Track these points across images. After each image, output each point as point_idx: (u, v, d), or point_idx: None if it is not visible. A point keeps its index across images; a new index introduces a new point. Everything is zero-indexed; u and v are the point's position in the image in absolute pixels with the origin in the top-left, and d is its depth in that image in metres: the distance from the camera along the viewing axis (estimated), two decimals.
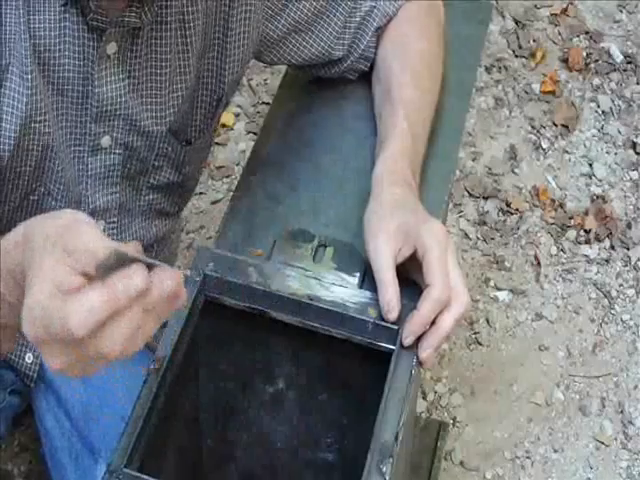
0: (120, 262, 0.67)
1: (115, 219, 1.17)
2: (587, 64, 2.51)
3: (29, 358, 1.23)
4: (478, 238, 2.20)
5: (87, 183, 1.11)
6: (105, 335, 0.67)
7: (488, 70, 2.48)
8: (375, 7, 1.20)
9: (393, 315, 0.97)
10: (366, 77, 1.25)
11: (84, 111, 1.05)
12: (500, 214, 2.24)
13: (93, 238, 0.69)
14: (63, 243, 0.69)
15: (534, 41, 2.55)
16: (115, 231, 1.17)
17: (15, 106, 0.99)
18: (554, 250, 2.18)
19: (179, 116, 1.13)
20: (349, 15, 1.20)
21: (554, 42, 2.56)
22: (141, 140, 1.11)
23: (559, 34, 2.57)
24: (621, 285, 2.14)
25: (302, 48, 1.20)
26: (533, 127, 2.39)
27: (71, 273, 0.68)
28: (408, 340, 0.96)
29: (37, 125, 1.02)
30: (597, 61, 2.51)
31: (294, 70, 1.29)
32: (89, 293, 0.66)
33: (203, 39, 1.10)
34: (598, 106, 2.43)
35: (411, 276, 0.99)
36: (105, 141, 1.09)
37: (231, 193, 2.11)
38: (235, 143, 2.31)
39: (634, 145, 2.35)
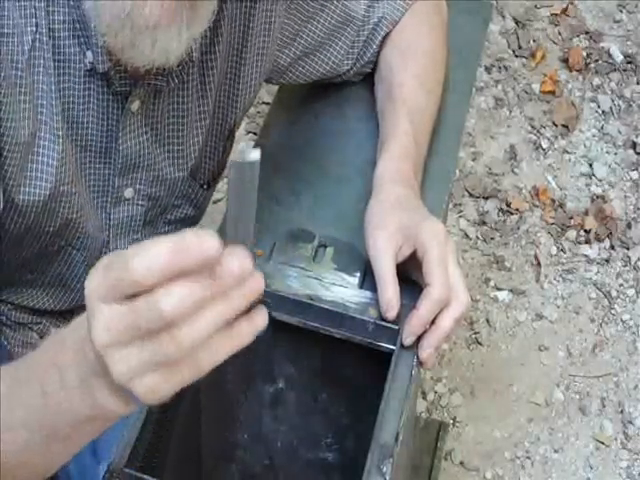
0: None
1: None
2: (587, 64, 2.51)
3: None
4: (478, 238, 2.20)
5: (109, 231, 1.12)
6: (190, 323, 0.62)
7: (488, 70, 2.48)
8: (383, 17, 1.20)
9: (392, 314, 0.97)
10: (367, 77, 1.25)
11: (108, 165, 1.06)
12: (500, 214, 2.24)
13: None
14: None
15: (534, 41, 2.55)
16: None
17: (46, 171, 0.99)
18: (554, 250, 2.18)
19: (198, 157, 1.14)
20: (358, 32, 1.20)
21: (554, 42, 2.56)
22: (164, 189, 1.12)
23: (559, 34, 2.57)
24: (621, 285, 2.14)
25: (311, 70, 1.20)
26: (533, 127, 2.39)
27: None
28: (408, 340, 0.96)
29: (66, 187, 1.02)
30: (597, 61, 2.51)
31: None
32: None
33: (219, 83, 1.10)
34: (598, 106, 2.43)
35: (411, 275, 0.99)
36: (128, 193, 1.09)
37: None
38: (235, 143, 2.31)
39: (634, 145, 2.36)
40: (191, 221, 1.23)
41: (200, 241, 0.63)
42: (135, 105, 1.01)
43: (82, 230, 1.08)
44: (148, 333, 0.62)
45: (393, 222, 1.00)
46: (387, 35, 1.21)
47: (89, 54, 0.95)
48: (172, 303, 0.61)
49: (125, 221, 1.12)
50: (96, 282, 0.64)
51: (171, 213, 1.18)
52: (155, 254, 0.63)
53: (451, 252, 0.97)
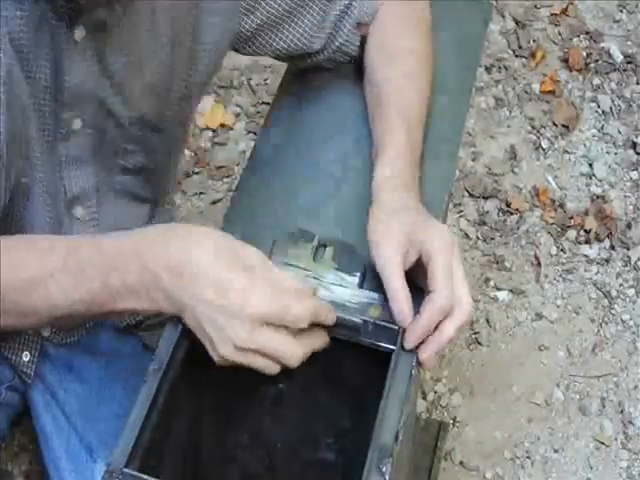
0: None
1: (93, 202, 1.16)
2: (587, 64, 2.51)
3: (26, 356, 1.23)
4: (478, 238, 2.20)
5: (62, 169, 1.11)
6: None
7: (488, 70, 2.48)
8: (353, 2, 1.20)
9: (405, 324, 0.96)
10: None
11: (55, 98, 1.04)
12: (500, 214, 2.24)
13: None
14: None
15: (534, 41, 2.55)
16: (95, 215, 1.17)
17: None
18: (554, 250, 2.18)
19: (152, 104, 1.12)
20: (325, 11, 1.19)
21: (554, 42, 2.56)
22: (112, 123, 1.11)
23: (559, 34, 2.57)
24: (621, 285, 2.14)
25: (278, 40, 1.20)
26: (533, 127, 2.39)
27: None
28: (409, 345, 0.96)
29: (17, 113, 1.00)
30: (597, 61, 2.51)
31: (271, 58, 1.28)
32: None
33: (172, 27, 1.09)
34: (598, 106, 2.43)
35: (415, 280, 0.99)
36: (76, 124, 1.08)
37: (231, 193, 2.12)
38: (235, 143, 2.31)
39: (634, 145, 2.35)
40: (148, 174, 1.21)
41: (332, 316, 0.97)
42: (79, 33, 1.00)
43: (37, 163, 1.07)
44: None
45: (398, 230, 0.99)
46: (368, 34, 1.21)
47: None
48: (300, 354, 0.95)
49: (75, 154, 1.10)
50: (270, 310, 0.91)
51: (125, 159, 1.16)
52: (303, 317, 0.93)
53: (457, 259, 0.97)
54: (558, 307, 2.10)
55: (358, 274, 1.02)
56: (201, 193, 2.22)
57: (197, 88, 1.18)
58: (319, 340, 0.98)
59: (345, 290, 1.00)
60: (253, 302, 0.90)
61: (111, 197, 1.19)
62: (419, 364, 0.96)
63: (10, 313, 0.98)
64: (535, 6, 2.62)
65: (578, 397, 1.98)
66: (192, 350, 0.98)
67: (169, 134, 1.18)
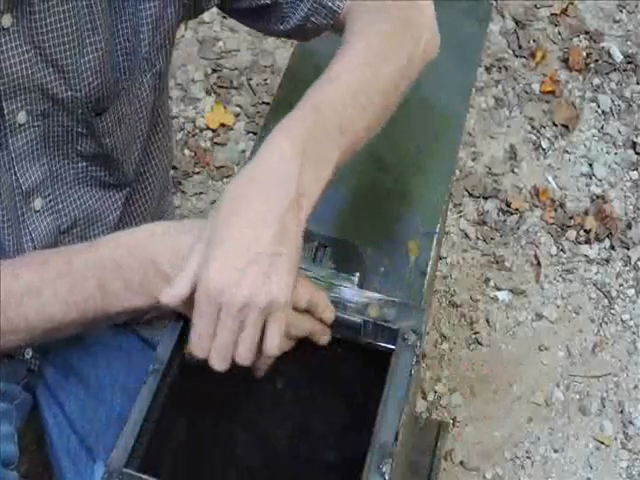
0: None
1: (49, 191, 1.12)
2: (587, 64, 2.51)
3: (28, 353, 1.22)
4: (478, 238, 2.20)
5: (15, 165, 1.07)
6: None
7: (488, 70, 2.48)
8: None
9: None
10: None
11: None
12: (500, 214, 2.24)
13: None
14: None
15: (534, 41, 2.55)
16: (52, 203, 1.13)
17: None
18: (554, 250, 2.18)
19: (97, 82, 1.07)
20: None
21: (554, 42, 2.56)
22: (57, 107, 1.06)
23: (559, 34, 2.57)
24: (621, 285, 2.14)
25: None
26: (533, 127, 2.39)
27: None
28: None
29: None
30: (597, 61, 2.51)
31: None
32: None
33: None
34: (598, 106, 2.43)
35: None
36: (21, 117, 1.04)
37: None
38: (235, 143, 2.31)
39: (634, 145, 2.36)
40: (106, 160, 1.16)
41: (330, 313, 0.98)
42: (7, 20, 0.96)
43: None
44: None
45: None
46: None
47: None
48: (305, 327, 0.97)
49: (26, 148, 1.07)
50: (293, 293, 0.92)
51: (79, 144, 1.12)
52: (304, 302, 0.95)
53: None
54: (558, 307, 2.10)
55: (358, 274, 1.02)
56: (201, 193, 2.22)
57: (145, 62, 1.10)
58: (319, 326, 0.98)
59: (345, 290, 1.00)
60: None
61: (71, 184, 1.15)
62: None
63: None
64: (535, 6, 2.62)
65: (578, 397, 1.98)
66: None
67: (118, 115, 1.12)
